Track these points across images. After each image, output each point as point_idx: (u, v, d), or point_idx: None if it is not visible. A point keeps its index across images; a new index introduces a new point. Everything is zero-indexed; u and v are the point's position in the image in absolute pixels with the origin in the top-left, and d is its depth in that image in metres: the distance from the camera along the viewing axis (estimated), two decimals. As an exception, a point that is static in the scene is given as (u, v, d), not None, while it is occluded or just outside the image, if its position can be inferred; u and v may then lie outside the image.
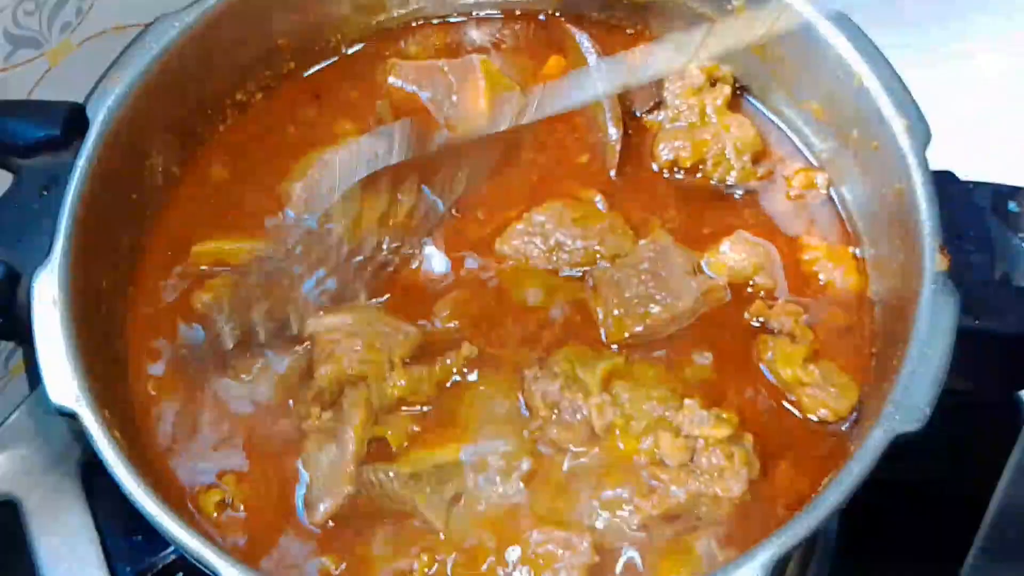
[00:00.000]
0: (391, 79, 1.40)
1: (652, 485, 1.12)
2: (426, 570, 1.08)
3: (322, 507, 1.10)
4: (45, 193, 1.17)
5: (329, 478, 1.11)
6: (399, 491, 1.10)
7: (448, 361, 1.18)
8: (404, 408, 1.17)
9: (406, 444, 1.15)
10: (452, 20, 1.47)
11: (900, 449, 1.03)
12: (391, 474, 1.11)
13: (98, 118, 1.19)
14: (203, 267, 1.26)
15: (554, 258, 1.25)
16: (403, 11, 1.45)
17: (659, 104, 1.37)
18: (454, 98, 1.36)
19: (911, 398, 1.03)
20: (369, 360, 1.15)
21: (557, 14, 1.45)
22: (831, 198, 1.31)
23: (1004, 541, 1.29)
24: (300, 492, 1.13)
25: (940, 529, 1.43)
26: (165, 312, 1.24)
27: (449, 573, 1.09)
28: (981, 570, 1.29)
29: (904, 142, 1.16)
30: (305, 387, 1.17)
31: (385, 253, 1.23)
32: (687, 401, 1.15)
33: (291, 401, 1.18)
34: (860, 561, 1.43)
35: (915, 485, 1.41)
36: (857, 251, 1.27)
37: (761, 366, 1.20)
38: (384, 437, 1.14)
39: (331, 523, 1.11)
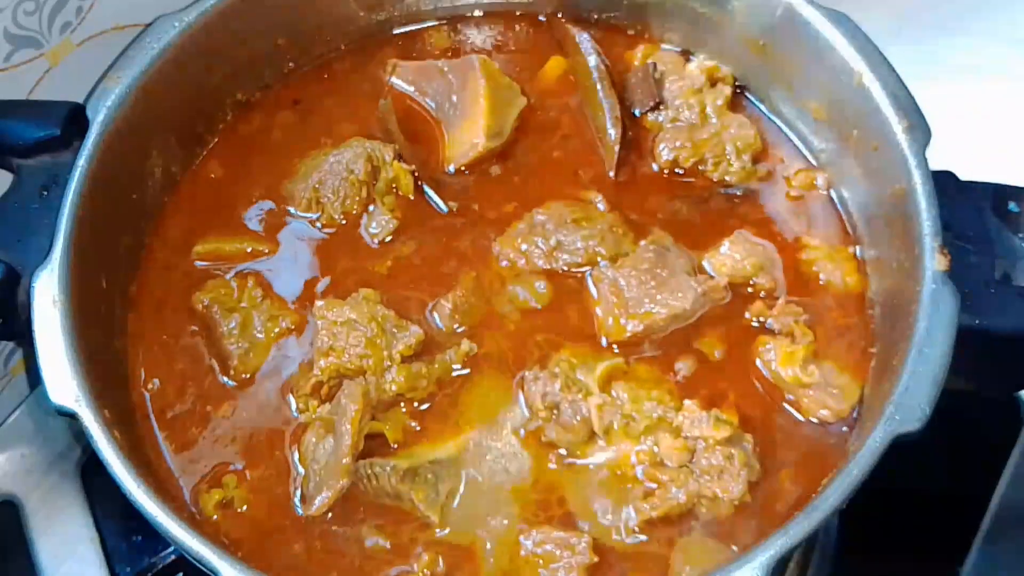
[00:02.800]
0: (392, 79, 1.40)
1: (651, 486, 1.12)
2: (426, 570, 1.08)
3: (319, 499, 1.10)
4: (45, 193, 1.17)
5: (326, 471, 1.11)
6: (396, 486, 1.10)
7: (448, 358, 1.19)
8: (402, 404, 1.17)
9: (404, 439, 1.15)
10: (453, 20, 1.47)
11: (900, 450, 1.03)
12: (388, 468, 1.11)
13: (98, 118, 1.19)
14: (204, 266, 1.27)
15: (554, 258, 1.25)
16: (403, 10, 1.45)
17: (659, 104, 1.37)
18: (454, 98, 1.36)
19: (911, 398, 1.03)
20: (369, 355, 1.15)
21: (558, 14, 1.45)
22: (831, 198, 1.31)
23: (1004, 541, 1.30)
24: (299, 487, 1.13)
25: (940, 529, 1.43)
26: (165, 312, 1.24)
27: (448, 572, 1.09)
28: (981, 570, 1.29)
29: (904, 142, 1.16)
30: (304, 380, 1.17)
31: None
32: (687, 402, 1.15)
33: (291, 397, 1.18)
34: (860, 560, 1.43)
35: (915, 485, 1.41)
36: (857, 251, 1.27)
37: (761, 367, 1.20)
38: (383, 432, 1.14)
39: (330, 516, 1.11)
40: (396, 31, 1.46)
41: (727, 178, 1.32)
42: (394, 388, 1.15)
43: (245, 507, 1.13)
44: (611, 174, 1.33)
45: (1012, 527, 1.33)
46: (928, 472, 1.38)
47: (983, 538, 1.33)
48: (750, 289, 1.24)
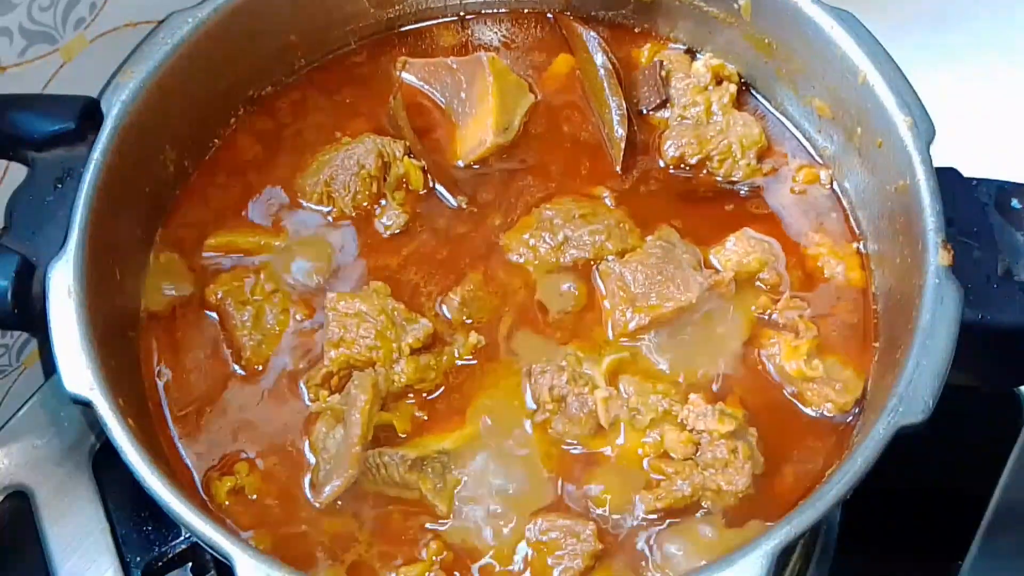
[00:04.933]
0: (402, 75, 1.41)
1: (657, 478, 1.13)
2: (435, 557, 1.09)
3: (328, 488, 1.11)
4: (59, 186, 1.17)
5: (336, 460, 1.12)
6: (405, 475, 1.12)
7: (456, 351, 1.20)
8: (411, 395, 1.18)
9: (412, 430, 1.17)
10: (462, 18, 1.48)
11: (902, 447, 1.04)
12: (396, 458, 1.12)
13: (112, 112, 1.19)
14: (216, 259, 1.28)
15: (562, 253, 1.26)
16: (413, 7, 1.46)
17: (665, 102, 1.38)
18: (463, 95, 1.38)
19: (915, 390, 1.04)
20: (378, 347, 1.17)
21: (566, 13, 1.46)
22: (835, 194, 1.32)
23: (1004, 538, 1.30)
24: (309, 475, 1.15)
25: (941, 526, 1.44)
26: (179, 303, 1.25)
27: (455, 560, 1.10)
28: (981, 566, 1.30)
29: (908, 139, 1.17)
30: (315, 370, 1.19)
31: None
32: (692, 395, 1.16)
33: (302, 387, 1.19)
34: (861, 557, 1.44)
35: (916, 482, 1.42)
36: (861, 246, 1.28)
37: (765, 360, 1.21)
38: (391, 423, 1.16)
39: (339, 504, 1.12)
40: (406, 28, 1.47)
41: (732, 175, 1.33)
42: (403, 379, 1.17)
43: (256, 495, 1.14)
44: (618, 170, 1.34)
45: (1012, 524, 1.34)
46: (929, 469, 1.39)
47: (983, 535, 1.34)
48: (756, 284, 1.25)
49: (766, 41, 1.34)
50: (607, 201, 1.31)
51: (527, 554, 1.10)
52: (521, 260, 1.27)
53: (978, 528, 1.34)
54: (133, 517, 1.28)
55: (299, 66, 1.42)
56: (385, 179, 1.30)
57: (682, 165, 1.34)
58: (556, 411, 1.16)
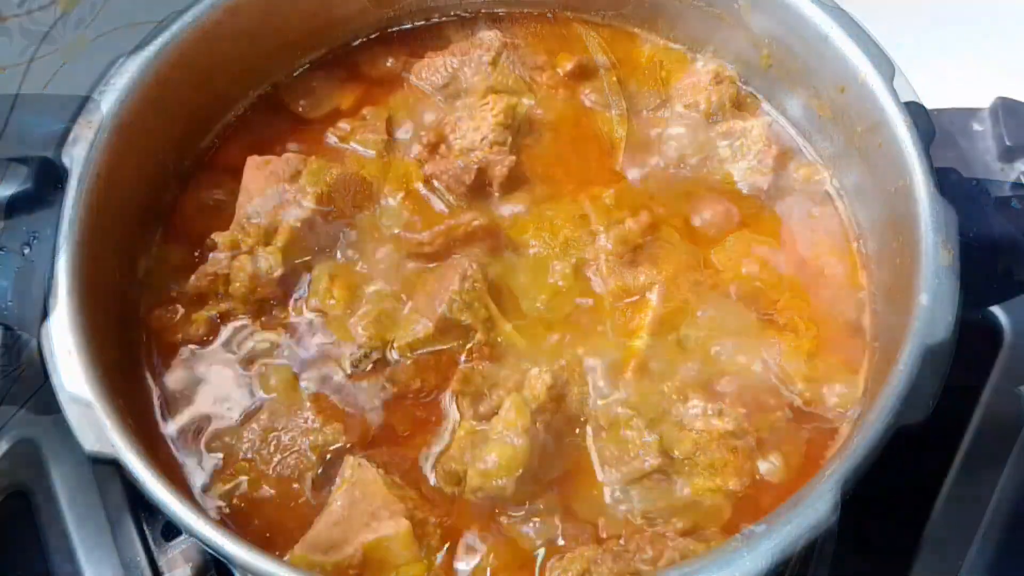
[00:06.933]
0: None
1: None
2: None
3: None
4: (59, 186, 1.18)
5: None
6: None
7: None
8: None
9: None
10: (462, 17, 1.48)
11: (901, 448, 1.04)
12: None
13: (111, 109, 1.20)
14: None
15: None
16: (413, 6, 1.46)
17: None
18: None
19: (914, 390, 1.05)
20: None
21: (567, 13, 1.47)
22: (835, 194, 1.32)
23: (1004, 539, 1.30)
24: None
25: (940, 527, 1.44)
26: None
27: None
28: (981, 567, 1.30)
29: (908, 139, 1.17)
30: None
31: None
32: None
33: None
34: (861, 558, 1.44)
35: (916, 484, 1.41)
36: (861, 246, 1.28)
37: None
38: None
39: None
40: (406, 26, 1.47)
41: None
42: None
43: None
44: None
45: (1012, 524, 1.34)
46: (928, 470, 1.39)
47: (983, 535, 1.34)
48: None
49: (766, 42, 1.35)
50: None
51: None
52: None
53: (978, 528, 1.34)
54: (133, 517, 1.28)
55: (299, 65, 1.42)
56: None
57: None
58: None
